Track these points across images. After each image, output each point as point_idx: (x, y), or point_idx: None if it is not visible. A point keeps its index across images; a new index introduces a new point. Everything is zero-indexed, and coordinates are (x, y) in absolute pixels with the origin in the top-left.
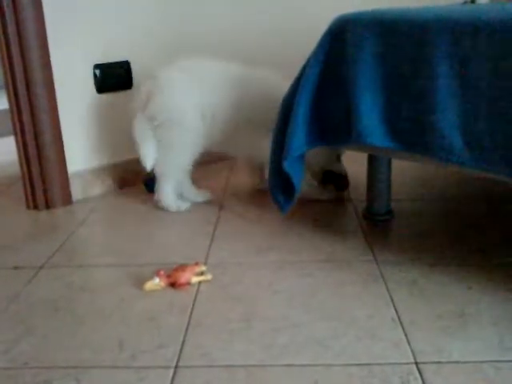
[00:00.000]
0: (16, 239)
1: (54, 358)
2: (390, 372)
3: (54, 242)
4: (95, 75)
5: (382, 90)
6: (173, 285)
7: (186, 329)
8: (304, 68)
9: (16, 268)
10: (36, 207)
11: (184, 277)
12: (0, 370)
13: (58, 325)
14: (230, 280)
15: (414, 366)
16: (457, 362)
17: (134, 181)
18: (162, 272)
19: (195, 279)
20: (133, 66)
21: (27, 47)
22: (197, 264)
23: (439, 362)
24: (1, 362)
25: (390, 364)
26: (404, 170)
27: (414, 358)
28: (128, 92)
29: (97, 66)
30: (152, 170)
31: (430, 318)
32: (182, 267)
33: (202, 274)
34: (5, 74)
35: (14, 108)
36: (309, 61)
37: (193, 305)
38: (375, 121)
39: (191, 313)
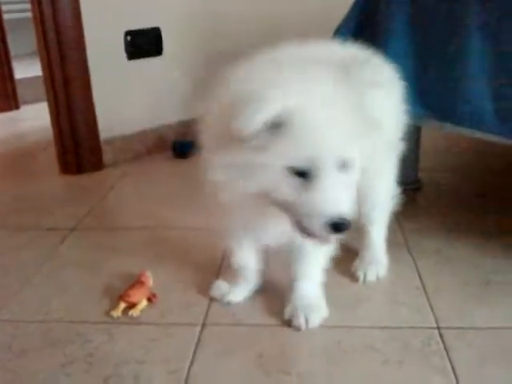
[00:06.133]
0: (49, 202)
1: (87, 313)
2: (411, 335)
3: (85, 205)
4: (126, 41)
5: (413, 53)
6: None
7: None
8: (336, 31)
9: (49, 229)
10: (68, 172)
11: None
12: (36, 323)
13: (89, 283)
14: None
15: (436, 331)
16: (479, 328)
17: (163, 146)
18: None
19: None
20: (163, 33)
21: (60, 9)
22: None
23: (461, 328)
24: (37, 316)
25: (412, 328)
26: (433, 140)
27: (437, 323)
28: (158, 59)
29: (128, 33)
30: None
31: (455, 286)
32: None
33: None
34: (38, 41)
35: (47, 74)
36: (339, 28)
37: (221, 262)
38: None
39: (220, 266)
